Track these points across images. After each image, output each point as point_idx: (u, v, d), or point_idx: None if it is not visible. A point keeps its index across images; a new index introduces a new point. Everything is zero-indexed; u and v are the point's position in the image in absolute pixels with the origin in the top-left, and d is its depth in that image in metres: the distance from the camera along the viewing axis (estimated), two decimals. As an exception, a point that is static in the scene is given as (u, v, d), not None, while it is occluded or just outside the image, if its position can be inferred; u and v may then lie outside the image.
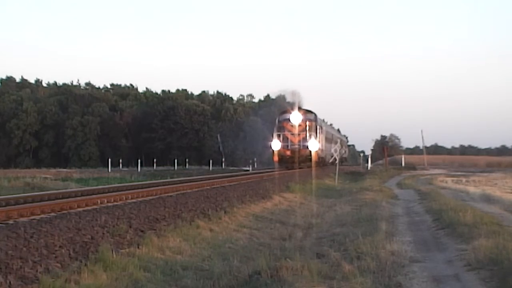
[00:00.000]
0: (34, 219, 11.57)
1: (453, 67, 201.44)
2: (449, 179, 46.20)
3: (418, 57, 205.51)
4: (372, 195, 24.79)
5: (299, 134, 45.20)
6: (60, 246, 9.44)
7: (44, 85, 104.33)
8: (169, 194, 17.87)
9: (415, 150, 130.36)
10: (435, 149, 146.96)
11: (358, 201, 22.83)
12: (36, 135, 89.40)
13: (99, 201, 14.84)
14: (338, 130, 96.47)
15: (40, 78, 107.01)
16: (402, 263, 9.89)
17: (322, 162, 52.27)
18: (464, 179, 46.01)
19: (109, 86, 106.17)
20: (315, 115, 48.05)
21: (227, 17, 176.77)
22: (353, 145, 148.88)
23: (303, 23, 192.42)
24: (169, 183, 24.29)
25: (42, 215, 12.14)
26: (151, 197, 16.64)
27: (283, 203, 21.91)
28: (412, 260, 10.27)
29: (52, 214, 12.45)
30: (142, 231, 11.91)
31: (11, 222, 11.13)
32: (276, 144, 45.01)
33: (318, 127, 47.18)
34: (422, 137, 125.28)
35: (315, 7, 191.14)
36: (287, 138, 45.13)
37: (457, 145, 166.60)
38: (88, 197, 15.89)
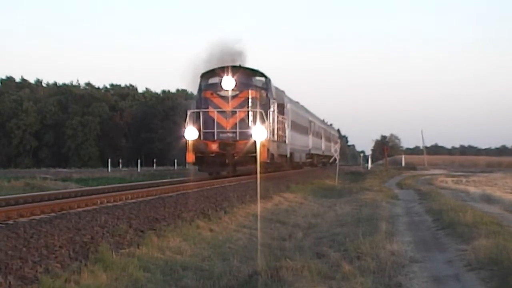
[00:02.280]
0: (34, 219, 11.56)
1: (453, 67, 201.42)
2: (449, 179, 46.20)
3: (418, 57, 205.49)
4: (372, 195, 24.80)
5: (234, 114, 26.57)
6: (60, 246, 9.43)
7: (44, 85, 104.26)
8: (169, 194, 17.86)
9: (415, 150, 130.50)
10: (435, 149, 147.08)
11: (358, 201, 22.83)
12: (36, 135, 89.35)
13: (99, 201, 14.84)
14: (332, 125, 79.47)
15: (40, 78, 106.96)
16: (402, 263, 9.89)
17: (282, 163, 33.45)
18: (464, 179, 46.01)
19: (109, 86, 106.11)
20: (267, 80, 28.98)
21: (226, 16, 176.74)
22: (353, 145, 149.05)
23: (303, 23, 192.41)
24: (169, 183, 24.27)
25: (42, 215, 12.13)
26: (151, 197, 16.63)
27: (283, 203, 21.91)
28: (412, 260, 10.27)
29: (52, 214, 12.44)
30: (142, 231, 11.90)
31: (11, 222, 11.12)
32: (190, 132, 26.15)
33: (272, 101, 28.64)
34: (422, 137, 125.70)
35: (315, 7, 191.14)
36: (213, 121, 26.46)
37: (457, 145, 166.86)
38: (88, 197, 15.88)
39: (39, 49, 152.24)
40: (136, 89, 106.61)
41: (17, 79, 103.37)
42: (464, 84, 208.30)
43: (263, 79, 29.15)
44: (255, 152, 24.35)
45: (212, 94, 26.98)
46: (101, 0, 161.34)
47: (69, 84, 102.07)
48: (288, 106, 35.19)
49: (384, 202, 21.50)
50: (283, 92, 35.07)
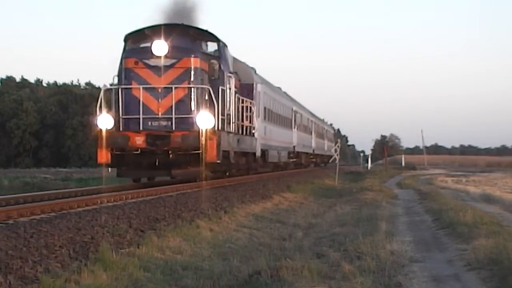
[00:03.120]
0: (34, 219, 11.56)
1: (453, 67, 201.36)
2: (449, 179, 46.21)
3: (418, 57, 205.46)
4: (372, 195, 24.79)
5: (169, 92, 19.04)
6: (60, 246, 9.44)
7: (44, 85, 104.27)
8: (169, 194, 17.86)
9: (415, 150, 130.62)
10: (435, 149, 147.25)
11: (358, 201, 22.83)
12: (36, 135, 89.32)
13: (99, 201, 14.84)
14: (328, 122, 70.36)
15: (40, 78, 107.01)
16: (402, 263, 9.89)
17: (248, 163, 26.10)
18: (464, 179, 46.03)
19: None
20: (221, 46, 21.07)
21: (225, 16, 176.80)
22: (353, 145, 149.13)
23: (303, 23, 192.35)
24: (169, 183, 24.30)
25: (42, 215, 12.13)
26: (151, 197, 16.63)
27: (283, 203, 21.92)
28: (412, 260, 10.27)
29: (52, 214, 12.44)
30: (142, 231, 11.91)
31: (11, 222, 11.12)
32: (103, 120, 18.89)
33: (227, 76, 21.04)
34: (422, 137, 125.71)
35: (315, 6, 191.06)
36: (137, 103, 18.97)
37: (457, 145, 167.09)
38: (88, 197, 15.88)
39: (39, 49, 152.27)
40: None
41: (17, 79, 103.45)
42: (464, 84, 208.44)
43: (214, 44, 21.12)
44: (198, 147, 18.23)
45: (137, 63, 18.97)
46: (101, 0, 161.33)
47: (69, 84, 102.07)
48: (260, 88, 27.05)
49: (384, 202, 21.50)
50: (252, 69, 27.24)
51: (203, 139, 18.35)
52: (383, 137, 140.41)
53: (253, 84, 26.07)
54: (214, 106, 19.20)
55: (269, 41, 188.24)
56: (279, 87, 37.08)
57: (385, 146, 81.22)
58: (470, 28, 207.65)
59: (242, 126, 23.78)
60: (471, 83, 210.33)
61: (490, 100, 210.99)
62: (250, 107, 24.73)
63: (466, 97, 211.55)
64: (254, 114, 25.42)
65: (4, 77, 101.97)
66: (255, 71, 27.92)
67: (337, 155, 40.34)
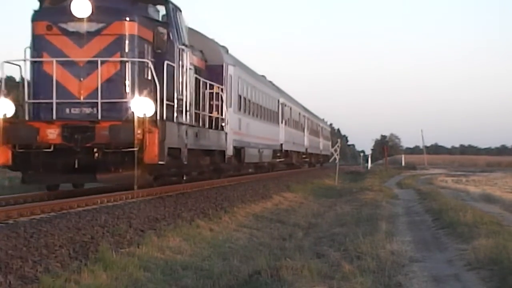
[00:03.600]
0: (34, 219, 11.55)
1: (453, 67, 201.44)
2: (449, 178, 46.23)
3: (418, 57, 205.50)
4: (372, 195, 24.79)
5: (94, 68, 14.42)
6: (60, 246, 9.44)
7: None
8: (169, 193, 17.86)
9: (415, 150, 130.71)
10: (435, 149, 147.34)
11: (358, 200, 22.83)
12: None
13: (99, 201, 14.81)
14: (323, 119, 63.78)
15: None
16: (402, 263, 9.90)
17: (216, 163, 20.82)
18: (464, 179, 46.05)
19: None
20: (169, 8, 16.12)
21: (225, 15, 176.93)
22: (353, 145, 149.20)
23: (303, 23, 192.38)
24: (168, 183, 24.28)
25: (42, 215, 12.12)
26: (151, 197, 16.61)
27: (283, 203, 21.92)
28: (412, 260, 10.28)
29: (52, 214, 12.43)
30: (142, 230, 11.90)
31: (11, 222, 11.12)
32: (1, 105, 14.30)
33: (179, 49, 16.22)
34: (422, 137, 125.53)
35: (315, 7, 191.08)
36: (50, 82, 14.31)
37: (457, 145, 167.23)
38: (88, 197, 15.87)
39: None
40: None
41: (17, 79, 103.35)
42: (464, 84, 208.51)
43: (162, 7, 16.34)
44: (132, 144, 13.77)
45: (50, 27, 14.41)
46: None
47: None
48: (232, 71, 22.29)
49: (384, 202, 21.50)
50: (223, 48, 22.53)
51: (139, 131, 13.76)
52: (383, 137, 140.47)
53: (222, 66, 21.22)
54: (157, 88, 14.64)
55: (269, 42, 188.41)
56: (263, 75, 32.37)
57: (385, 146, 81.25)
58: (472, 29, 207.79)
59: (207, 117, 19.51)
60: (471, 83, 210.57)
61: (490, 100, 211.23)
62: (220, 95, 20.42)
63: (466, 97, 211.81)
64: (224, 103, 20.89)
65: (4, 77, 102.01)
66: (227, 51, 23.18)
67: (337, 155, 40.31)
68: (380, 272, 8.94)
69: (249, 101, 26.17)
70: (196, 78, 18.26)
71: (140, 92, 14.50)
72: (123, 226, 11.71)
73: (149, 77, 15.03)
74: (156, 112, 14.39)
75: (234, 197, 19.12)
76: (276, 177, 31.45)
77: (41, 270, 8.18)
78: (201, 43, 20.24)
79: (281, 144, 34.47)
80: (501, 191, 29.86)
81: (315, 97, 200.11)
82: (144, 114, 13.94)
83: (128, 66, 14.62)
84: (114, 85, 14.61)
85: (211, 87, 19.84)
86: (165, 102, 15.11)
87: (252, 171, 30.30)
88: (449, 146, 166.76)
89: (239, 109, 24.33)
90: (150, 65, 14.99)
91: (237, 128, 23.51)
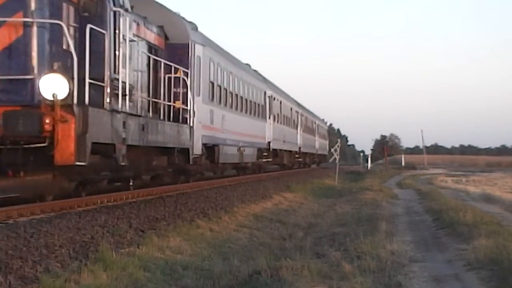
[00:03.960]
0: (34, 219, 11.56)
1: (452, 67, 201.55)
2: (449, 178, 46.25)
3: (418, 57, 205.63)
4: (372, 194, 24.80)
5: None
6: (60, 246, 9.44)
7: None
8: (169, 194, 17.87)
9: (415, 150, 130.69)
10: (435, 149, 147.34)
11: (358, 200, 22.83)
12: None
13: (99, 201, 14.82)
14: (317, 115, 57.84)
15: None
16: (402, 263, 9.89)
17: (179, 165, 18.00)
18: (464, 179, 46.08)
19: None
20: None
21: (224, 15, 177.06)
22: (353, 145, 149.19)
23: (303, 23, 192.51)
24: (169, 183, 24.30)
25: (42, 215, 12.13)
26: (151, 197, 16.62)
27: (283, 203, 21.92)
28: (412, 260, 10.27)
29: (52, 214, 12.44)
30: (142, 230, 11.91)
31: (11, 222, 11.12)
32: None
33: (113, 12, 12.41)
34: (422, 137, 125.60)
35: (315, 7, 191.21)
36: None
37: (457, 145, 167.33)
38: (88, 197, 15.89)
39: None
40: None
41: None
42: (463, 84, 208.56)
43: None
44: (52, 139, 10.66)
45: None
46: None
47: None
48: (201, 51, 18.72)
49: (384, 202, 21.51)
50: (190, 24, 19.02)
51: (47, 120, 10.57)
52: (383, 137, 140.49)
53: (188, 45, 17.77)
54: (75, 61, 11.14)
55: (269, 42, 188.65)
56: (247, 64, 28.60)
57: (385, 146, 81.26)
58: (472, 29, 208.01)
59: (166, 107, 16.50)
60: (471, 83, 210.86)
61: (490, 100, 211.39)
62: (183, 79, 17.14)
63: (466, 97, 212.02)
64: (190, 91, 17.53)
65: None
66: (196, 28, 19.50)
67: (337, 155, 40.29)
68: (380, 272, 8.94)
69: (226, 90, 22.26)
70: (149, 57, 15.42)
71: (52, 67, 11.21)
72: (123, 226, 11.72)
73: (65, 46, 11.52)
74: (72, 94, 11.07)
75: (234, 197, 19.13)
76: (276, 177, 31.45)
77: (41, 270, 8.18)
78: (161, 17, 17.01)
79: (269, 143, 30.92)
80: (501, 191, 29.87)
81: (315, 97, 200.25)
82: (55, 96, 10.61)
83: (35, 31, 11.10)
84: (16, 55, 11.12)
85: (175, 70, 16.61)
86: (87, 81, 11.40)
87: (233, 173, 26.30)
88: (449, 146, 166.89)
89: (211, 99, 20.39)
90: (65, 28, 11.38)
91: (208, 122, 19.72)
